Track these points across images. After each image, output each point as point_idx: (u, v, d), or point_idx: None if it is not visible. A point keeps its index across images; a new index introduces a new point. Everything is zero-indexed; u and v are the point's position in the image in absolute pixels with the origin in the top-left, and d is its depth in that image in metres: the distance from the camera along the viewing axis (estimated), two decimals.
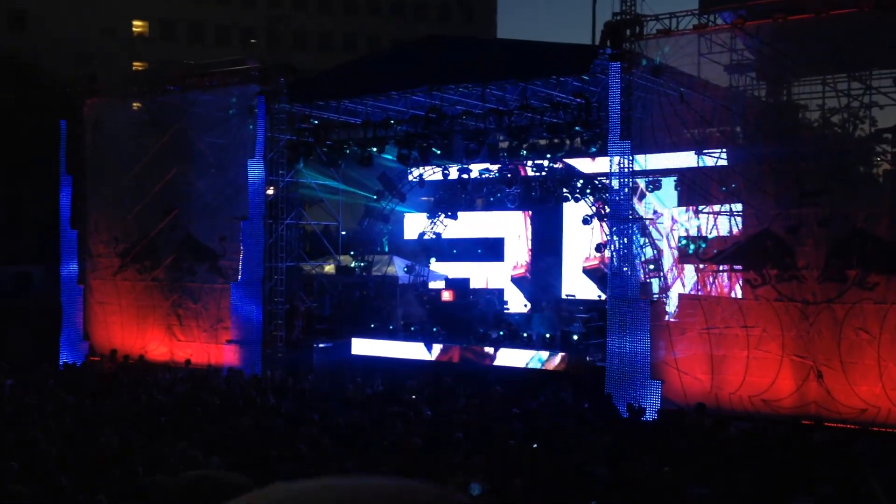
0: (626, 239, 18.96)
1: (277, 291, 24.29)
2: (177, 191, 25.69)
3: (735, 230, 18.81)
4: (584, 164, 25.32)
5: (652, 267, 19.75)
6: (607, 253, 19.65)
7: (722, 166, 18.73)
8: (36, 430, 13.88)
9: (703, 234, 18.90)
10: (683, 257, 19.39)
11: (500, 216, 29.00)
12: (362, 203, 29.38)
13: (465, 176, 26.16)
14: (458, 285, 26.36)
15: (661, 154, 19.40)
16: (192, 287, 25.34)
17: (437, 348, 23.09)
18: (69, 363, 25.13)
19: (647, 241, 19.72)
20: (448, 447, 13.08)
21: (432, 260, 29.21)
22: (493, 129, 22.99)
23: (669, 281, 19.67)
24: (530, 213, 28.92)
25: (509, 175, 25.47)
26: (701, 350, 18.48)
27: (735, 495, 10.81)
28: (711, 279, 18.80)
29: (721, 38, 18.93)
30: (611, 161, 18.99)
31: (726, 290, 18.65)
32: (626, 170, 18.79)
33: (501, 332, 23.37)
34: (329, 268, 30.00)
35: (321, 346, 24.91)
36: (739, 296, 18.36)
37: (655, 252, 19.84)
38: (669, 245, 19.87)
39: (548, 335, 22.59)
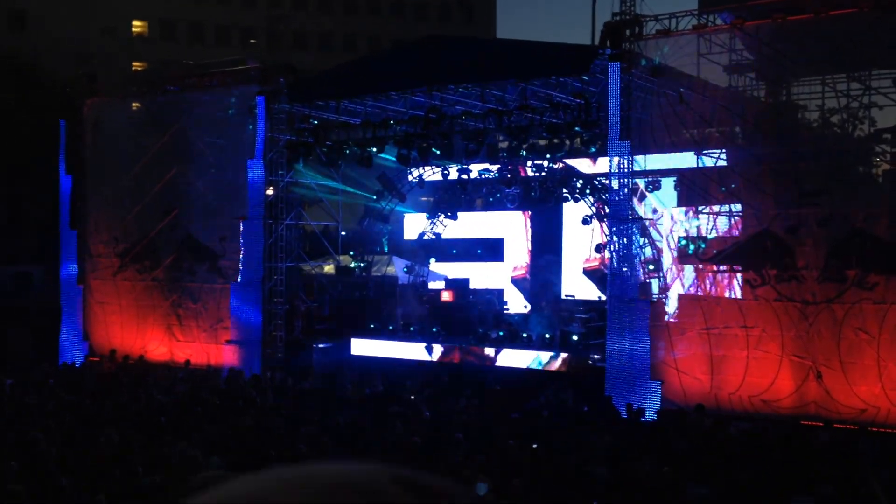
0: (625, 239, 18.97)
1: (277, 292, 24.28)
2: (176, 191, 25.69)
3: (735, 230, 18.82)
4: (583, 165, 25.34)
5: (651, 267, 19.76)
6: (607, 253, 19.67)
7: (721, 166, 18.73)
8: (36, 429, 13.89)
9: (703, 235, 18.91)
10: (683, 257, 19.39)
11: (499, 216, 29.01)
12: (362, 203, 29.37)
13: (464, 176, 26.15)
14: (458, 286, 26.37)
15: (661, 154, 19.40)
16: (191, 287, 25.34)
17: (436, 349, 23.09)
18: (69, 363, 25.13)
19: (646, 241, 19.73)
20: (448, 447, 13.08)
21: (432, 260, 29.22)
22: (493, 130, 22.98)
23: (669, 281, 19.68)
24: (530, 213, 28.93)
25: (509, 175, 25.47)
26: (700, 350, 18.49)
27: (735, 495, 10.82)
28: (711, 279, 18.81)
29: (720, 39, 18.94)
30: (610, 161, 19.00)
31: (726, 290, 18.65)
32: (625, 170, 18.80)
33: (501, 333, 23.38)
34: (329, 268, 30.01)
35: (321, 346, 24.91)
36: (739, 296, 18.37)
37: (655, 252, 19.85)
38: (669, 245, 19.87)
39: (547, 335, 22.60)
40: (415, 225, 29.77)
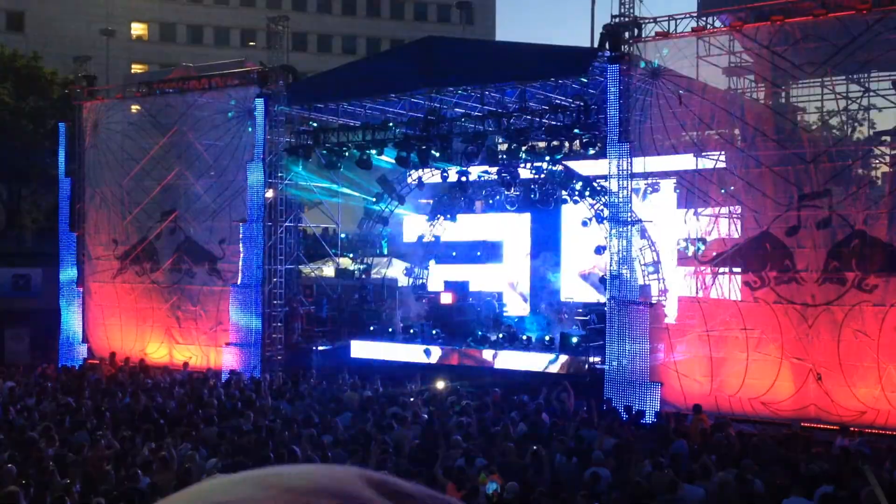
0: (625, 241, 18.97)
1: (276, 294, 24.26)
2: (176, 193, 25.69)
3: (734, 233, 18.81)
4: (583, 167, 25.32)
5: (651, 269, 19.75)
6: (605, 256, 19.66)
7: (721, 168, 18.73)
8: (35, 432, 13.88)
9: (703, 237, 18.90)
10: (682, 260, 19.38)
11: (499, 218, 29.00)
12: (361, 205, 29.37)
13: (464, 178, 26.14)
14: (458, 288, 26.36)
15: (660, 156, 19.39)
16: (191, 289, 25.33)
17: (436, 350, 23.08)
18: (68, 366, 25.09)
19: (646, 243, 19.72)
20: (447, 449, 13.07)
21: (431, 262, 29.20)
22: (492, 132, 22.98)
23: (668, 283, 19.66)
24: (529, 215, 28.92)
25: (508, 177, 25.48)
26: (700, 353, 18.48)
27: (734, 496, 10.81)
28: (711, 282, 18.79)
29: (720, 41, 18.95)
30: (609, 163, 19.00)
31: (725, 292, 18.64)
32: (624, 172, 18.80)
33: (501, 335, 23.37)
34: (328, 270, 30.01)
35: (320, 348, 24.91)
36: (739, 298, 18.36)
37: (655, 254, 19.84)
38: (669, 247, 19.86)
39: (546, 337, 22.59)
40: (414, 227, 29.75)
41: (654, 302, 19.29)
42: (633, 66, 19.01)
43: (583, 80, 20.70)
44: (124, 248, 26.60)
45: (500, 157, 24.33)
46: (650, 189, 19.89)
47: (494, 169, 26.18)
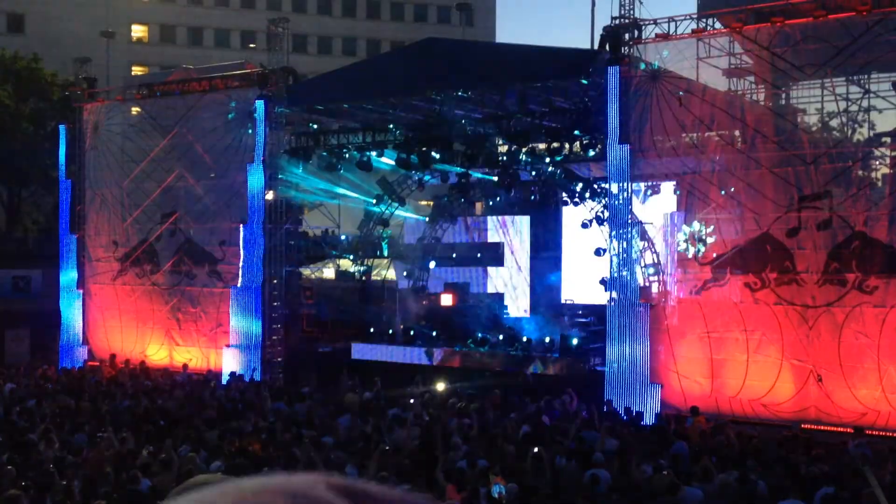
0: (625, 243, 18.97)
1: (277, 296, 24.25)
2: (176, 195, 25.69)
3: (734, 234, 18.79)
4: (583, 168, 25.32)
5: (651, 271, 19.74)
6: (606, 257, 19.65)
7: (721, 170, 18.72)
8: (35, 434, 13.88)
9: (703, 238, 18.88)
10: (683, 261, 19.37)
11: (499, 220, 29.00)
12: (361, 207, 29.37)
13: (464, 180, 26.14)
14: (458, 290, 26.36)
15: (661, 158, 19.38)
16: (191, 291, 25.32)
17: (436, 352, 23.07)
18: (68, 368, 25.10)
19: (646, 244, 19.71)
20: (447, 451, 13.06)
21: (432, 264, 29.20)
22: (493, 134, 22.98)
23: (669, 285, 19.65)
24: (529, 217, 28.93)
25: (508, 179, 25.48)
26: (701, 354, 18.47)
27: (734, 496, 10.81)
28: (711, 283, 18.78)
29: (720, 43, 18.94)
30: (609, 165, 18.99)
31: (726, 293, 18.63)
32: (624, 174, 18.79)
33: (501, 337, 23.36)
34: (328, 272, 30.01)
35: (320, 350, 24.89)
36: (739, 300, 18.35)
37: (655, 256, 19.82)
38: (669, 249, 19.84)
39: (547, 339, 22.57)
40: (414, 229, 29.76)
41: (653, 303, 19.28)
42: (633, 67, 19.01)
43: (583, 81, 20.69)
44: (124, 250, 26.61)
45: (500, 158, 24.33)
46: (650, 191, 19.86)
47: (495, 171, 26.19)
